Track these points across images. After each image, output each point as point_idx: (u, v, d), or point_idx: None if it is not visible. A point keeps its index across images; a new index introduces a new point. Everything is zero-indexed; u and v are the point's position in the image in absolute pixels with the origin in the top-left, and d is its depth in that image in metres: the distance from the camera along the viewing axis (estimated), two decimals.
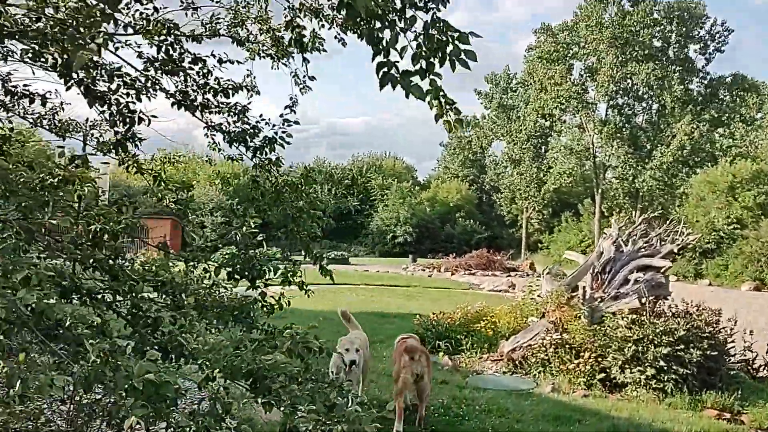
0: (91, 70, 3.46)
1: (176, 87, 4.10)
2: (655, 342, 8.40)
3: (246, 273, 3.53)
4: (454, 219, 62.72)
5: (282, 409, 2.59)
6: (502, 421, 7.14)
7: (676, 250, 11.20)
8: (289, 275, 4.01)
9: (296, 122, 4.31)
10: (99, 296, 2.86)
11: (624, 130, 48.90)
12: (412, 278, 30.54)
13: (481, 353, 10.59)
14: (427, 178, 76.67)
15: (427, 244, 57.15)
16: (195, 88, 4.12)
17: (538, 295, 12.07)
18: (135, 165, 4.02)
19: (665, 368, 8.25)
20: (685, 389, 8.17)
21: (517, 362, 9.86)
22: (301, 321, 12.12)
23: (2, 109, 4.30)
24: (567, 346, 9.34)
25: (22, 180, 2.71)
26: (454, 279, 31.45)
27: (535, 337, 9.99)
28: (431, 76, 2.63)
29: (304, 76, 4.87)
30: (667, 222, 12.84)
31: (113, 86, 3.64)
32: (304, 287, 4.10)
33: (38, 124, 4.76)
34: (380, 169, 71.74)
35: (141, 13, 3.93)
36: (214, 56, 4.32)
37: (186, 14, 4.38)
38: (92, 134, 4.69)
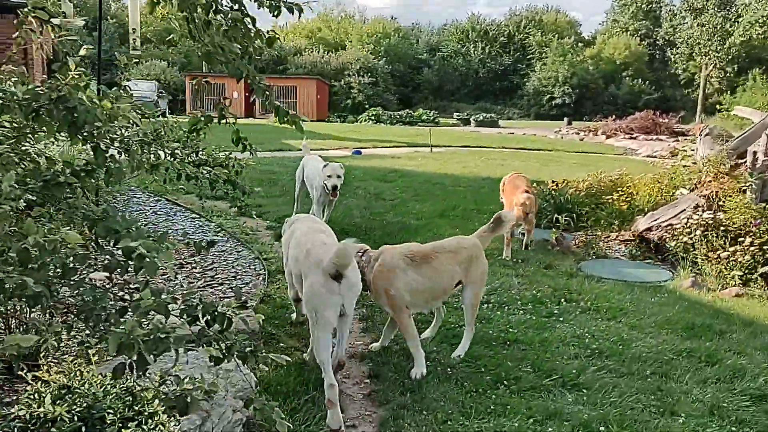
0: None
1: None
2: None
3: None
4: (619, 78, 57.30)
5: None
6: (608, 326, 5.26)
7: None
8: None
9: None
10: None
11: None
12: (559, 142, 27.74)
13: (609, 231, 8.56)
14: (592, 33, 70.05)
15: (587, 106, 53.23)
16: None
17: (693, 162, 9.55)
18: None
19: None
20: None
21: (652, 245, 7.81)
22: (413, 184, 10.59)
23: None
24: (721, 228, 7.12)
25: None
26: (608, 143, 28.22)
27: (679, 214, 7.79)
28: None
29: None
30: None
31: None
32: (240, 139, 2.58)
33: None
34: (540, 24, 66.44)
35: None
36: None
37: None
38: None
